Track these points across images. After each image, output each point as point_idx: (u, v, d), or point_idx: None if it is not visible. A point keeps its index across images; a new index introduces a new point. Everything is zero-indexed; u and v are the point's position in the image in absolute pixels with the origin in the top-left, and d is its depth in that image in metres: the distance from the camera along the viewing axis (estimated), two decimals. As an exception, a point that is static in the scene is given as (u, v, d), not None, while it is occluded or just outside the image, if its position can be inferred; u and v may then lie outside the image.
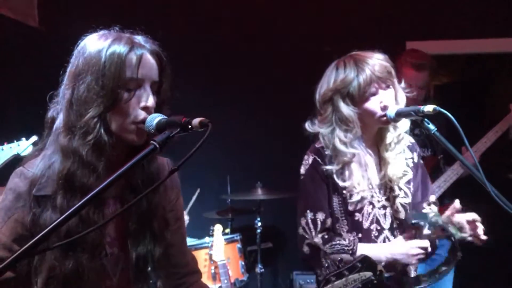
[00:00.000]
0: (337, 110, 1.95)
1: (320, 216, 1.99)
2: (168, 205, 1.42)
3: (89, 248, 1.27)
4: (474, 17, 3.86)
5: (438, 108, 1.69)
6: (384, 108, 1.92)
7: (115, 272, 1.34)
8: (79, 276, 1.26)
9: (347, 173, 1.98)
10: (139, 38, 1.30)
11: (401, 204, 2.03)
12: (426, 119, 1.73)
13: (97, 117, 1.23)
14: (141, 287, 1.36)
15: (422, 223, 1.89)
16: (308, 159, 2.04)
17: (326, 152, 2.00)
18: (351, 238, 1.99)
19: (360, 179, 1.97)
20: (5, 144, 2.54)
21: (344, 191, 1.98)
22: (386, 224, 2.02)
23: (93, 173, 1.23)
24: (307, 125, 2.06)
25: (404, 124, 2.02)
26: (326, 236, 1.98)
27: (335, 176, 1.98)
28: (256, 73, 4.00)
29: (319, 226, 1.99)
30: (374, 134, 2.04)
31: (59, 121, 1.29)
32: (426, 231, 1.90)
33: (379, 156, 2.04)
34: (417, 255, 1.91)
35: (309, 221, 2.00)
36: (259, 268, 3.55)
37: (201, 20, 4.04)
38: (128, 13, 3.88)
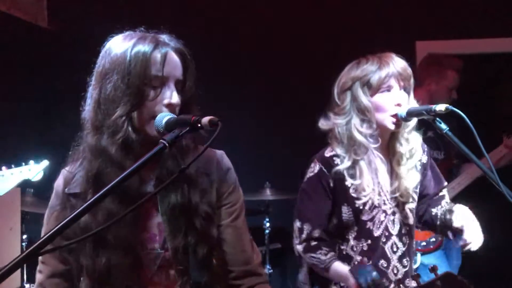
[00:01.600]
0: (355, 99, 1.96)
1: (307, 227, 2.01)
2: (218, 201, 1.38)
3: (121, 244, 1.28)
4: (485, 16, 3.82)
5: (450, 107, 1.66)
6: (398, 105, 1.91)
7: (153, 268, 1.33)
8: (111, 273, 1.27)
9: (357, 171, 1.96)
10: (163, 37, 1.32)
11: (410, 210, 2.03)
12: (438, 119, 1.70)
13: (125, 116, 1.25)
14: (184, 283, 1.32)
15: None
16: (315, 168, 2.03)
17: (336, 162, 1.98)
18: (359, 246, 1.99)
19: (370, 181, 1.96)
20: (12, 167, 2.46)
21: (357, 201, 1.96)
22: (395, 230, 2.00)
23: (123, 171, 1.20)
24: (321, 122, 2.05)
25: (416, 138, 2.01)
26: (311, 244, 1.99)
27: (345, 174, 1.96)
28: (267, 73, 3.98)
29: (303, 236, 2.01)
30: (386, 141, 2.01)
31: (87, 122, 1.32)
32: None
33: (391, 166, 2.02)
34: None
35: (296, 229, 2.04)
36: (267, 269, 3.53)
37: (211, 20, 4.03)
38: (135, 13, 3.88)
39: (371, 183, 1.96)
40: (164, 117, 1.23)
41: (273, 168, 3.85)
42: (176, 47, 1.32)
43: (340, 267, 1.95)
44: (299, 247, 2.02)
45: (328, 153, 2.01)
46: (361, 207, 1.96)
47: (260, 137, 3.96)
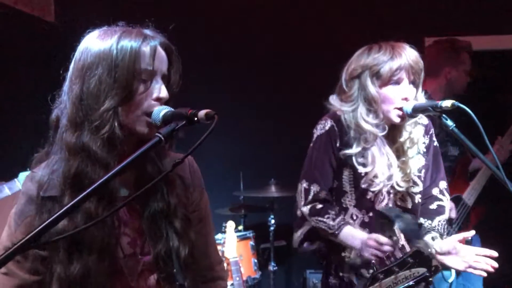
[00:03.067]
0: (363, 89, 1.92)
1: (314, 188, 1.97)
2: (190, 205, 1.37)
3: (98, 249, 1.21)
4: (493, 13, 3.77)
5: (456, 103, 1.63)
6: (405, 99, 1.88)
7: (133, 274, 1.29)
8: (86, 280, 1.20)
9: (369, 157, 1.93)
10: (148, 31, 1.28)
11: (408, 193, 1.99)
12: (444, 115, 1.67)
13: (112, 110, 1.20)
14: None
15: (397, 222, 1.76)
16: (326, 124, 1.99)
17: (347, 123, 1.95)
18: (360, 215, 1.96)
19: (383, 167, 1.92)
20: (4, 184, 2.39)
21: (361, 167, 1.92)
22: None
23: (105, 169, 1.19)
24: (332, 98, 2.01)
25: (419, 131, 1.98)
26: (317, 207, 1.96)
27: (354, 159, 1.93)
28: (272, 69, 3.96)
29: (310, 197, 1.97)
30: (391, 129, 1.98)
31: (64, 119, 1.25)
32: (394, 231, 1.80)
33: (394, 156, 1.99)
34: (372, 248, 1.82)
35: (302, 189, 2.00)
36: (272, 266, 3.52)
37: (220, 15, 4.01)
38: (142, 8, 3.87)
39: (385, 169, 1.92)
40: (161, 110, 1.20)
41: (278, 165, 3.83)
42: (162, 41, 1.28)
43: (354, 231, 1.91)
44: (305, 209, 1.98)
45: (339, 112, 1.99)
46: (363, 174, 1.93)
47: (265, 134, 3.95)
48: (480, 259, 1.84)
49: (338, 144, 1.95)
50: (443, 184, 2.08)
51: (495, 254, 1.86)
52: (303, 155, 2.12)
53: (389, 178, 1.95)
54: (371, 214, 1.96)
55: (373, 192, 1.94)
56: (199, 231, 1.38)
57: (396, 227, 1.78)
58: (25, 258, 1.23)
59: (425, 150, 2.03)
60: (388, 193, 1.99)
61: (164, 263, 1.28)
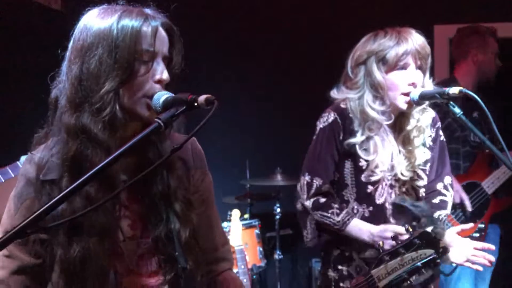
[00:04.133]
0: (369, 75, 1.90)
1: (317, 181, 1.96)
2: (192, 187, 1.35)
3: (97, 232, 1.19)
4: (503, 0, 3.71)
5: (464, 90, 1.60)
6: (412, 85, 1.85)
7: (133, 257, 1.27)
8: (86, 262, 1.19)
9: (371, 146, 1.91)
10: (149, 11, 1.25)
11: (412, 187, 1.97)
12: (451, 102, 1.64)
13: (113, 91, 1.17)
14: (168, 271, 1.28)
15: (414, 211, 1.73)
16: (329, 117, 1.98)
17: (351, 115, 1.93)
18: (360, 210, 1.94)
19: (385, 157, 1.90)
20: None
21: (362, 160, 1.91)
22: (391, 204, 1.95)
23: (106, 153, 1.17)
24: (333, 92, 2.00)
25: (428, 117, 1.95)
26: (321, 200, 1.95)
27: (357, 148, 1.91)
28: (278, 58, 3.94)
29: (312, 190, 1.96)
30: (394, 119, 1.95)
31: (63, 100, 1.22)
32: (410, 220, 1.76)
33: (397, 141, 1.97)
34: (385, 238, 1.81)
35: (305, 182, 1.98)
36: (277, 255, 3.52)
37: (229, 2, 3.98)
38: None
39: (386, 159, 1.90)
40: (162, 95, 1.18)
41: (284, 154, 3.81)
42: (164, 22, 1.24)
43: (360, 223, 1.90)
44: (308, 203, 1.96)
45: (343, 105, 1.97)
46: (364, 167, 1.92)
47: (271, 123, 3.93)
48: (478, 253, 1.83)
49: (341, 137, 1.94)
50: (447, 179, 2.06)
51: (492, 247, 1.86)
52: (309, 144, 2.11)
53: (391, 169, 1.93)
54: (371, 208, 1.94)
55: (372, 185, 1.92)
56: (202, 213, 1.36)
57: (411, 217, 1.76)
58: (26, 240, 1.22)
59: (431, 143, 2.00)
60: (392, 186, 1.96)
61: (163, 246, 1.27)
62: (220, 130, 3.37)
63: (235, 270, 3.19)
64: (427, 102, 1.88)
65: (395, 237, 1.79)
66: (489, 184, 2.94)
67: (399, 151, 1.96)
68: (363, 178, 1.93)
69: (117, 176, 1.23)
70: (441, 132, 2.05)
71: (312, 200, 1.96)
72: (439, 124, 2.04)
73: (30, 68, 3.56)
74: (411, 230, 1.60)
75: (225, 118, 3.02)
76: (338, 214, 1.91)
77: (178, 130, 1.33)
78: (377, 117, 1.89)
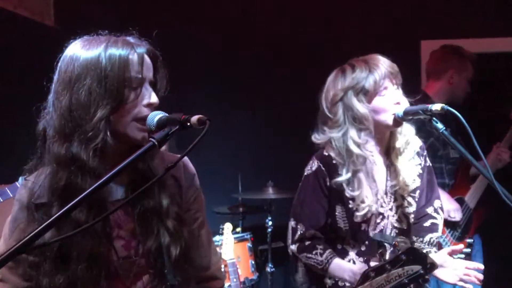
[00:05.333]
0: (349, 109, 1.92)
1: (300, 227, 2.00)
2: (184, 205, 1.37)
3: (86, 258, 1.22)
4: (489, 16, 3.80)
5: (446, 107, 1.66)
6: (397, 104, 1.89)
7: (128, 276, 1.30)
8: None
9: (356, 183, 1.94)
10: (131, 39, 1.29)
11: (404, 214, 2.01)
12: (434, 118, 1.70)
13: (104, 119, 1.20)
14: (156, 286, 1.30)
15: (386, 245, 1.79)
16: (313, 165, 2.01)
17: (334, 162, 1.96)
18: (358, 261, 1.96)
19: (368, 191, 1.94)
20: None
21: (351, 201, 1.94)
22: (387, 233, 1.98)
23: (96, 179, 1.17)
24: (315, 137, 2.02)
25: (409, 129, 2.00)
26: (306, 243, 1.98)
27: (345, 186, 1.94)
28: (271, 72, 3.99)
29: (296, 236, 2.00)
30: (385, 140, 2.00)
31: (51, 131, 1.25)
32: (388, 255, 1.82)
33: (390, 163, 2.01)
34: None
35: (290, 228, 2.03)
36: (269, 268, 3.54)
37: (216, 20, 4.04)
38: (140, 12, 3.91)
39: (370, 194, 1.93)
40: (156, 115, 1.22)
41: (276, 167, 3.85)
42: (148, 48, 1.29)
43: (342, 263, 1.93)
44: (293, 247, 2.01)
45: (326, 152, 1.99)
46: (354, 209, 1.94)
47: (263, 136, 3.97)
48: (471, 272, 1.87)
49: (328, 183, 1.97)
50: (437, 203, 2.10)
51: (481, 266, 1.91)
52: (301, 157, 2.14)
53: (376, 200, 1.96)
54: (367, 242, 1.97)
55: (365, 222, 1.95)
56: (193, 231, 1.39)
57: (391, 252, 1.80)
58: (17, 263, 1.25)
59: (420, 171, 2.04)
60: (386, 217, 1.99)
61: (154, 261, 1.29)
62: (212, 143, 3.41)
63: (227, 284, 3.21)
64: (410, 119, 1.92)
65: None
66: (471, 199, 3.02)
67: (391, 172, 2.00)
68: (355, 219, 1.96)
69: (107, 198, 1.26)
70: (428, 159, 2.09)
71: (297, 244, 2.01)
72: (425, 152, 2.09)
73: (23, 84, 3.60)
74: (397, 246, 1.62)
75: (217, 132, 3.06)
76: (321, 254, 1.95)
77: (169, 148, 1.37)
78: (361, 153, 1.92)
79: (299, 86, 3.91)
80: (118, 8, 3.92)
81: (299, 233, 2.00)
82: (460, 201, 3.00)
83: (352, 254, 1.99)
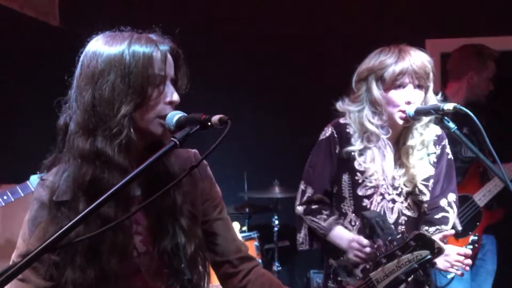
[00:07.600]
0: (369, 91, 1.97)
1: (309, 190, 2.07)
2: (202, 196, 1.40)
3: (118, 252, 1.22)
4: (495, 14, 3.80)
5: (458, 106, 1.67)
6: (407, 103, 1.91)
7: (149, 271, 1.31)
8: (105, 283, 1.22)
9: (368, 156, 1.98)
10: (155, 36, 1.29)
11: (414, 202, 2.02)
12: (446, 117, 1.71)
13: (128, 115, 1.20)
14: (172, 284, 1.31)
15: (377, 229, 1.84)
16: (327, 131, 2.07)
17: (348, 130, 2.01)
18: (358, 222, 2.01)
19: (379, 167, 1.98)
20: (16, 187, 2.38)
21: (359, 174, 1.98)
22: (392, 218, 2.01)
23: (123, 174, 1.18)
24: (338, 104, 2.07)
25: (431, 131, 2.00)
26: (312, 207, 2.06)
27: (356, 156, 1.99)
28: (275, 71, 4.00)
29: (305, 198, 2.08)
30: (398, 133, 2.01)
31: (74, 126, 1.24)
32: (378, 235, 1.87)
33: (399, 156, 2.02)
34: (354, 249, 1.91)
35: (300, 190, 2.11)
36: (276, 266, 3.55)
37: (219, 18, 4.05)
38: (146, 11, 3.91)
39: (380, 170, 1.98)
40: (175, 115, 1.23)
41: (282, 166, 3.86)
42: (171, 46, 1.30)
43: (343, 231, 1.99)
44: (300, 208, 2.08)
45: (343, 120, 2.05)
46: (360, 181, 1.99)
47: (269, 135, 3.98)
48: (460, 258, 1.90)
49: (337, 150, 2.02)
50: (452, 197, 2.10)
51: (468, 252, 1.93)
52: (307, 156, 2.18)
53: (391, 181, 1.99)
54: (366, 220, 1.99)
55: (368, 198, 1.99)
56: (217, 218, 1.42)
57: (373, 230, 1.87)
58: (40, 264, 1.24)
59: (435, 160, 2.05)
60: (394, 201, 2.01)
61: (169, 259, 1.30)
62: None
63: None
64: (423, 117, 1.93)
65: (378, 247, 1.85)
66: (481, 197, 3.00)
67: (399, 164, 2.02)
68: (359, 192, 2.00)
69: (131, 193, 1.27)
70: (448, 150, 2.09)
71: (304, 206, 2.08)
72: (445, 142, 2.08)
73: (28, 84, 3.60)
74: (378, 241, 1.71)
75: (223, 131, 3.06)
76: (325, 220, 2.02)
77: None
78: (375, 131, 1.96)
79: (305, 85, 3.92)
80: (123, 8, 3.92)
81: (307, 195, 2.07)
82: (465, 199, 2.99)
83: (354, 232, 2.02)
